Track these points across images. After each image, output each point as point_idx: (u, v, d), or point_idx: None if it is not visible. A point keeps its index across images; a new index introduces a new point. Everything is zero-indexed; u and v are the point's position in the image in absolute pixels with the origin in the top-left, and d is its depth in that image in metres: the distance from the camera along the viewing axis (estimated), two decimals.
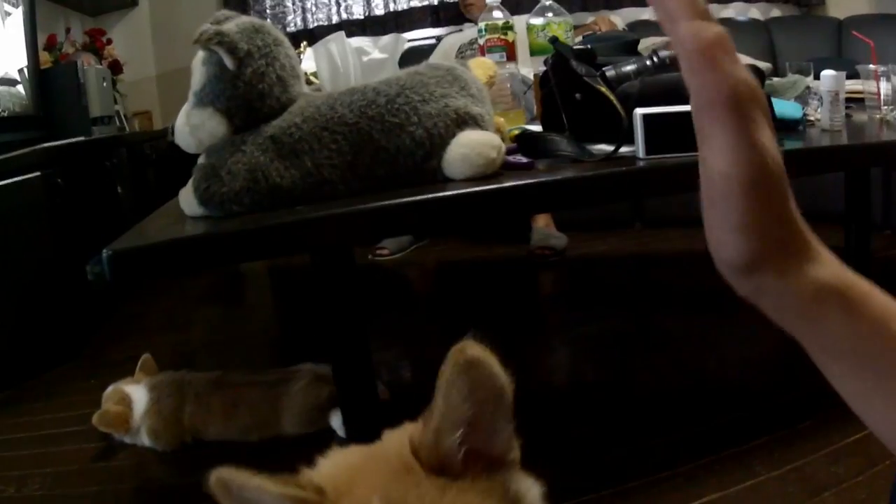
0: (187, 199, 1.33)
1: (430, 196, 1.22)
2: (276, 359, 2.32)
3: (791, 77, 2.00)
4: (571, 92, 1.51)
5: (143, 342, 2.52)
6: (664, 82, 1.54)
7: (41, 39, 3.71)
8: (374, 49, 4.32)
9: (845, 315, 0.46)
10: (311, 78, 2.14)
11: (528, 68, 2.11)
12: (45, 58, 3.78)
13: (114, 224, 1.36)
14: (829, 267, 0.47)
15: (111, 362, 2.38)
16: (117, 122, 4.11)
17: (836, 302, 0.46)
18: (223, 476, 0.51)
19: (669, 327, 2.53)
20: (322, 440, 1.87)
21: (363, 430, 1.76)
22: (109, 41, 4.52)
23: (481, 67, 1.59)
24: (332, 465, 0.57)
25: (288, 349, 2.62)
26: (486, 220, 1.59)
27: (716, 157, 0.45)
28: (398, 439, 0.55)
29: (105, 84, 3.87)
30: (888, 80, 1.99)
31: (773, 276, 0.45)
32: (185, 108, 1.34)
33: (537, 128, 1.71)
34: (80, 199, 2.81)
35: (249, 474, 0.51)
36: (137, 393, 1.89)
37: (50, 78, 3.48)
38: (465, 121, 1.34)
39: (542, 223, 3.48)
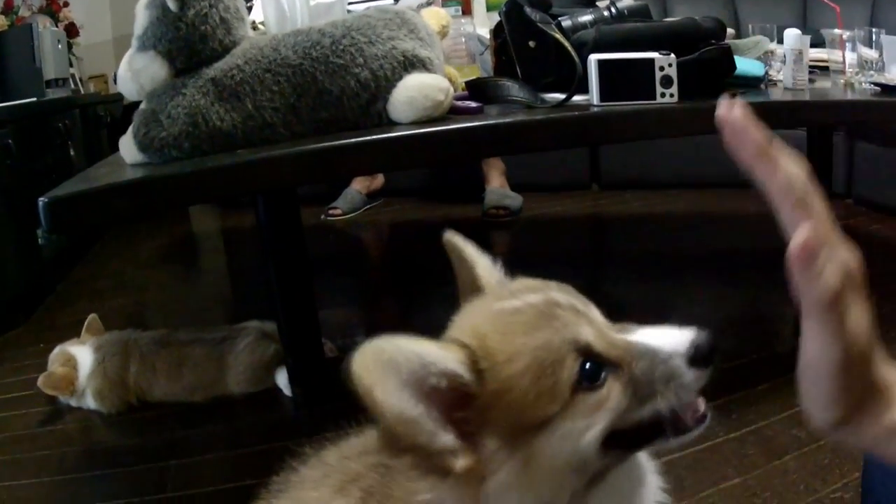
0: (127, 147, 1.29)
1: (373, 137, 1.18)
2: (226, 319, 2.27)
3: (754, 37, 1.97)
4: (525, 40, 1.47)
5: (94, 305, 2.46)
6: (621, 31, 1.51)
7: None
8: None
9: None
10: (259, 26, 2.09)
11: (486, 28, 2.06)
12: (0, 21, 3.70)
13: None
14: None
15: (61, 326, 2.32)
16: (72, 85, 4.03)
17: None
18: (388, 353, 0.53)
19: (624, 290, 2.51)
20: (267, 400, 1.85)
21: (309, 388, 1.75)
22: (66, 4, 4.41)
23: (434, 17, 1.54)
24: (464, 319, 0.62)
25: (239, 309, 2.58)
26: (431, 163, 1.56)
27: (809, 343, 0.48)
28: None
29: (60, 46, 3.78)
30: (853, 47, 1.96)
31: (853, 430, 0.50)
32: (128, 53, 1.30)
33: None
34: (32, 162, 2.74)
35: (404, 342, 0.54)
36: (83, 354, 1.84)
37: (4, 40, 3.40)
38: (413, 63, 1.30)
39: (497, 183, 3.45)
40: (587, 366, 0.57)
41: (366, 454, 0.67)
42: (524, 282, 0.66)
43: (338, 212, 3.52)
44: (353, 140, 1.19)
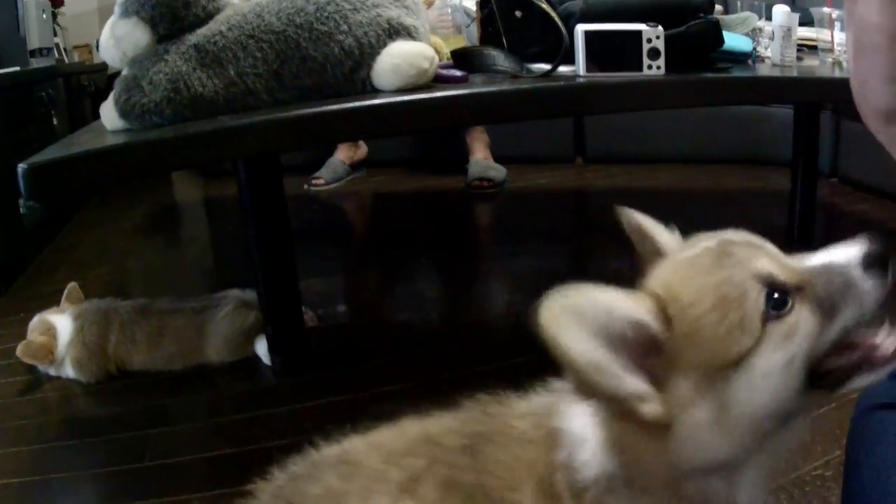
0: (108, 113, 1.28)
1: (356, 104, 1.17)
2: (208, 288, 2.26)
3: (742, 14, 1.96)
4: (512, 9, 1.46)
5: (75, 275, 2.43)
6: (609, 2, 1.50)
7: None
8: None
9: None
10: None
11: (472, 0, 2.04)
12: None
13: None
14: None
15: (41, 295, 2.29)
16: (56, 55, 3.97)
17: None
18: (575, 301, 0.54)
19: (607, 265, 2.51)
20: (246, 369, 1.84)
21: (289, 358, 1.75)
22: None
23: None
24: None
25: (221, 278, 2.54)
26: (415, 131, 1.55)
27: (868, 5, 0.44)
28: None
29: (45, 16, 3.73)
30: (843, 27, 1.95)
31: None
32: (110, 20, 1.29)
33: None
34: (14, 131, 2.70)
35: (592, 290, 0.55)
36: (62, 322, 1.82)
37: None
38: (398, 31, 1.29)
39: (481, 155, 3.44)
40: (774, 296, 0.57)
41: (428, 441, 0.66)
42: (700, 235, 0.66)
43: (321, 182, 3.48)
44: (336, 107, 1.18)
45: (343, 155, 3.56)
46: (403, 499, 0.63)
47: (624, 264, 2.42)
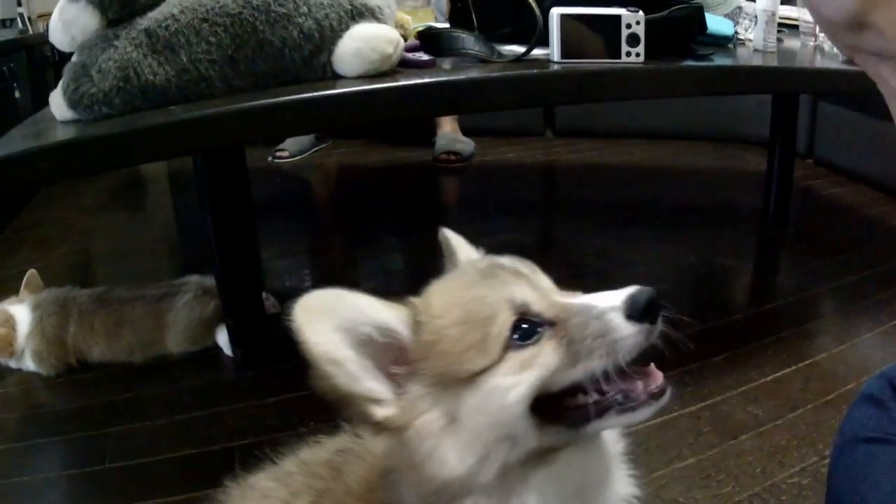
0: (57, 103, 1.21)
1: (316, 94, 1.11)
2: (175, 269, 2.20)
3: None
4: None
5: (38, 254, 2.39)
6: None
7: None
8: None
9: None
10: None
11: None
12: None
13: (10, 129, 1.27)
14: None
15: (5, 277, 2.21)
16: (20, 25, 3.87)
17: None
18: (328, 298, 0.57)
19: (573, 241, 2.46)
20: (207, 360, 1.79)
21: (250, 349, 1.70)
22: None
23: None
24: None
25: (186, 256, 2.50)
26: (378, 122, 1.49)
27: None
28: None
29: None
30: None
31: (869, 35, 0.41)
32: (60, 2, 1.22)
33: (442, 26, 1.59)
34: None
35: (348, 293, 0.57)
36: (21, 313, 1.76)
37: None
38: (361, 13, 1.23)
39: (449, 128, 3.38)
40: (522, 325, 0.57)
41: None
42: (486, 257, 0.68)
43: (285, 154, 3.42)
44: (295, 97, 1.11)
45: None
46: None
47: (595, 245, 2.40)
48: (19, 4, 3.99)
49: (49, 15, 3.96)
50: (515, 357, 0.56)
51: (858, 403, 0.84)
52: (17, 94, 3.12)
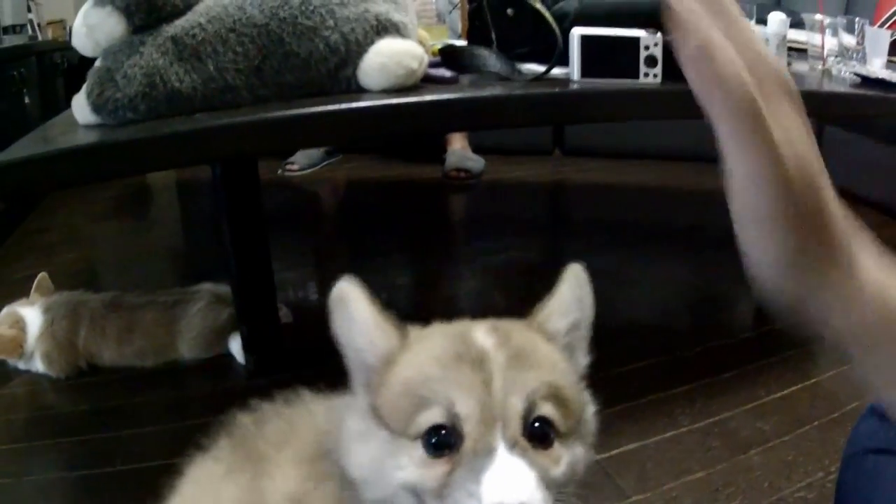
0: (80, 106, 1.21)
1: (342, 106, 1.12)
2: (181, 277, 2.21)
3: None
4: (503, 7, 1.41)
5: (44, 260, 2.39)
6: (605, 4, 1.45)
7: None
8: None
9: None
10: None
11: None
12: None
13: (19, 135, 1.27)
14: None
15: (10, 282, 2.23)
16: (30, 31, 3.90)
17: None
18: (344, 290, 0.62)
19: (579, 260, 2.48)
20: (219, 367, 1.80)
21: (263, 356, 1.71)
22: None
23: None
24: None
25: (194, 267, 2.51)
26: (402, 136, 1.51)
27: (734, 163, 0.42)
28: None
29: None
30: (834, 33, 1.92)
31: (805, 291, 0.43)
32: (84, 7, 1.22)
33: (463, 44, 1.61)
34: None
35: (363, 295, 0.62)
36: (31, 315, 1.77)
37: None
38: (386, 28, 1.24)
39: (459, 145, 3.42)
40: (442, 432, 0.56)
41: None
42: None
43: (295, 167, 3.45)
44: (320, 108, 1.12)
45: None
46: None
47: (604, 264, 2.41)
48: (29, 11, 4.02)
49: (58, 22, 4.02)
50: (418, 450, 0.56)
51: (866, 416, 0.85)
52: (26, 100, 3.14)
